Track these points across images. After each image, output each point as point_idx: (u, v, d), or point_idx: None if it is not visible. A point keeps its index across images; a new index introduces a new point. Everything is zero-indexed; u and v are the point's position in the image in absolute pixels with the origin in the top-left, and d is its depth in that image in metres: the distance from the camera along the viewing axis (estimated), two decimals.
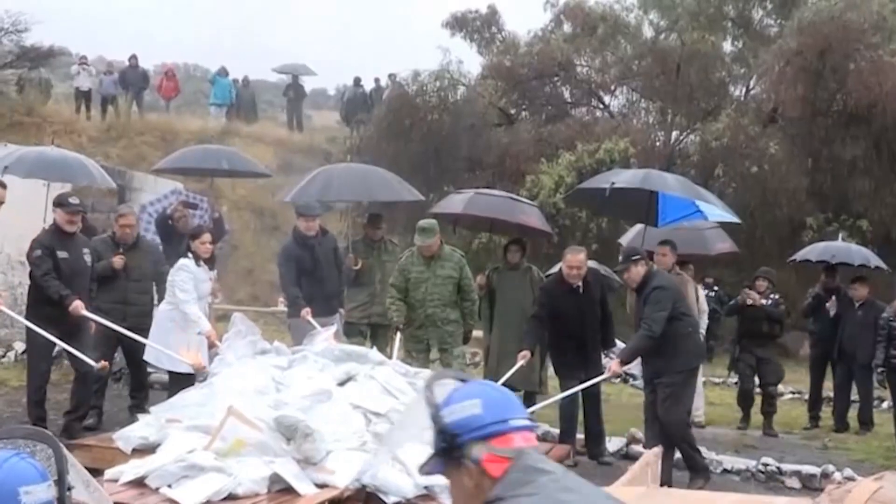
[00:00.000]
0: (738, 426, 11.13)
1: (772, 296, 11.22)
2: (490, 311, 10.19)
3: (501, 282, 10.17)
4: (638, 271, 8.02)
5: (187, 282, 8.50)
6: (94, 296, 8.47)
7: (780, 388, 14.66)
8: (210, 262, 8.93)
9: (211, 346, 8.56)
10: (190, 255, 8.68)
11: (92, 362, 7.90)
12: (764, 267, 11.98)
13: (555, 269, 12.24)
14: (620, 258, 8.38)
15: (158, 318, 8.81)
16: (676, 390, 7.93)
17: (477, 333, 11.84)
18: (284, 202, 12.01)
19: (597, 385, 8.83)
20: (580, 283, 8.76)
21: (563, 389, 8.79)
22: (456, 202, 10.91)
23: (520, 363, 8.72)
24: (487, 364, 10.50)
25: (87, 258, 8.42)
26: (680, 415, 8.04)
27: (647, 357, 8.25)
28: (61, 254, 8.13)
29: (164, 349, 8.45)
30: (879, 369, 10.49)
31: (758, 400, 11.29)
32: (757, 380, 11.24)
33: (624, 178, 9.87)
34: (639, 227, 10.92)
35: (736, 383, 12.01)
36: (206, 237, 8.85)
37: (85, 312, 8.02)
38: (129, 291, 8.96)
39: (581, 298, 8.79)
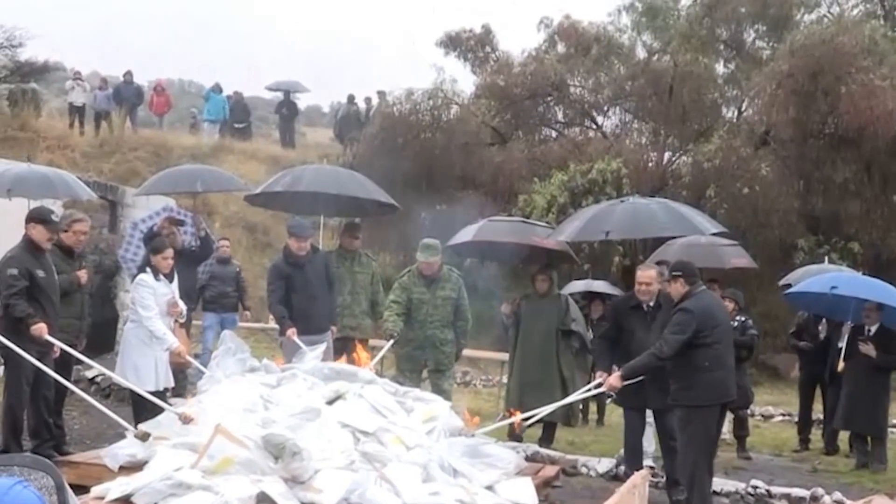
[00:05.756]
0: None
1: (738, 318, 10.52)
2: (515, 339, 10.22)
3: (528, 309, 10.23)
4: (676, 289, 7.56)
5: (147, 297, 8.33)
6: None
7: (771, 409, 14.78)
8: (171, 276, 8.65)
9: (181, 361, 8.42)
10: (149, 269, 8.48)
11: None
12: (731, 288, 11.36)
13: (573, 289, 12.22)
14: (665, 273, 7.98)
15: (125, 336, 8.68)
16: (687, 427, 7.50)
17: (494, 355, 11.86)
18: (280, 217, 11.97)
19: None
20: (650, 303, 8.25)
21: (625, 415, 8.48)
22: (467, 231, 10.73)
23: (596, 381, 8.15)
24: (508, 391, 10.48)
25: (55, 274, 8.06)
26: (690, 456, 7.50)
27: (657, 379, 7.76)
28: (39, 272, 7.78)
29: (120, 378, 8.34)
30: None
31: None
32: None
33: (616, 223, 9.49)
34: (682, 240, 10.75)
35: None
36: (169, 252, 8.60)
37: (47, 336, 7.62)
38: (86, 305, 8.67)
39: (648, 318, 8.21)
